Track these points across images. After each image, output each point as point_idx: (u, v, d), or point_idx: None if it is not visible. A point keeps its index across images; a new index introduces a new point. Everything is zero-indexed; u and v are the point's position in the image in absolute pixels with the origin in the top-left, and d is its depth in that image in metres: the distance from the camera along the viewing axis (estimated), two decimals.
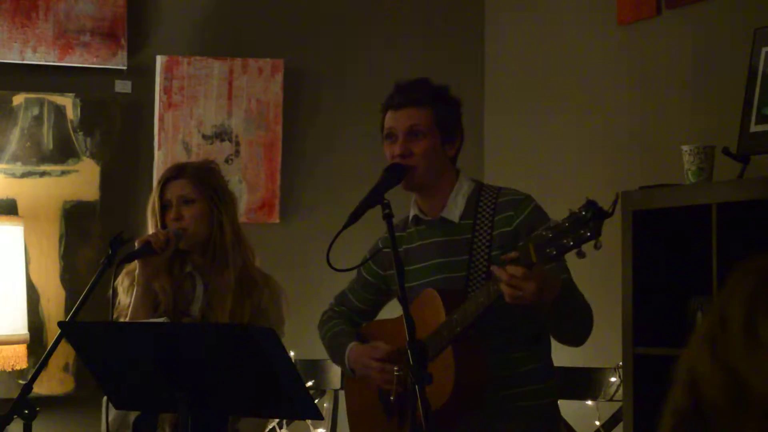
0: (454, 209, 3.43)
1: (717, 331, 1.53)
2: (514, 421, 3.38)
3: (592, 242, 2.89)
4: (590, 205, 2.90)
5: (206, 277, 3.78)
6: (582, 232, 2.90)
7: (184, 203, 3.77)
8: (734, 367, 1.49)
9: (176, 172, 3.82)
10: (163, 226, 3.76)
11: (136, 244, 3.69)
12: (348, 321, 3.68)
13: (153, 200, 3.80)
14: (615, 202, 2.94)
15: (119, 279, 3.80)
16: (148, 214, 3.80)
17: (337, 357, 3.64)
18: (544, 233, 2.97)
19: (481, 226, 3.39)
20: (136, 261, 3.72)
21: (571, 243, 2.92)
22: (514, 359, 3.39)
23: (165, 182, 3.80)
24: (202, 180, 3.80)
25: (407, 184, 3.41)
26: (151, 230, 3.77)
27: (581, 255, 2.91)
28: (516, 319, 3.35)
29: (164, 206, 3.78)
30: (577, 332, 3.36)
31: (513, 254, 3.05)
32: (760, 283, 1.53)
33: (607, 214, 2.90)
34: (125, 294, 3.80)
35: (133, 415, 3.65)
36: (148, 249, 3.68)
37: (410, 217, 3.53)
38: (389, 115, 3.45)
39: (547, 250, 2.96)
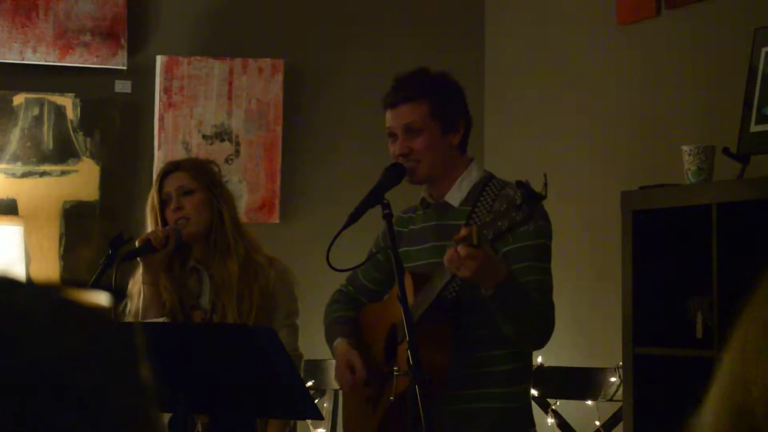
0: (457, 194, 3.42)
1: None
2: (479, 421, 3.33)
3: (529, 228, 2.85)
4: (520, 187, 2.87)
5: (211, 269, 3.80)
6: (514, 215, 2.88)
7: (184, 194, 3.80)
8: None
9: (173, 166, 3.87)
10: (164, 222, 3.78)
11: (136, 243, 3.71)
12: (352, 304, 3.67)
13: (152, 196, 3.82)
14: (545, 183, 2.91)
15: (129, 285, 3.82)
16: (147, 211, 3.83)
17: (328, 344, 3.66)
18: (487, 217, 2.96)
19: (477, 214, 3.36)
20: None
21: (506, 227, 2.91)
22: (487, 357, 3.34)
23: (163, 176, 3.83)
24: (199, 171, 3.85)
25: (412, 179, 3.41)
26: (150, 227, 3.79)
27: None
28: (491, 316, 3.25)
29: (164, 201, 3.80)
30: (523, 331, 3.28)
31: (464, 232, 3.03)
32: None
33: (540, 197, 2.86)
34: (133, 299, 3.81)
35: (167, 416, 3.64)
36: (148, 247, 3.69)
37: (420, 199, 3.52)
38: (388, 113, 3.44)
39: (484, 232, 2.95)
